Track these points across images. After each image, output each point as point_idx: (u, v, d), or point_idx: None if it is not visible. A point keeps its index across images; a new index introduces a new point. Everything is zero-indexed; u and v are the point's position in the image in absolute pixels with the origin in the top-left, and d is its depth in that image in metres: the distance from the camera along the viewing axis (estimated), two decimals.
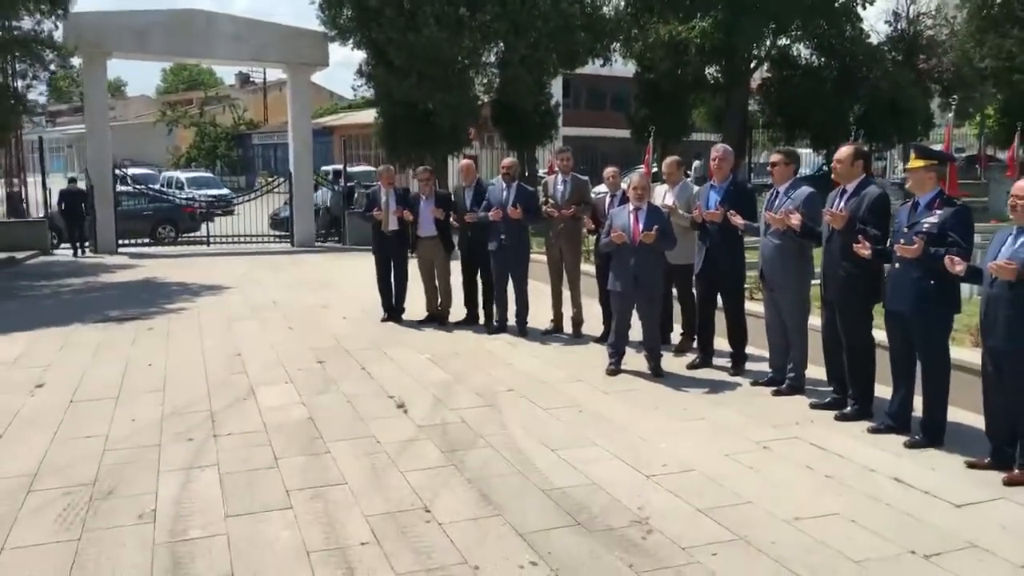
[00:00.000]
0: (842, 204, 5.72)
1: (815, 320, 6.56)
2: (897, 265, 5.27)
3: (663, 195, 7.79)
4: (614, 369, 7.17)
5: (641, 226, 6.92)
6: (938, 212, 5.16)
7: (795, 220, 6.03)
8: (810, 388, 6.47)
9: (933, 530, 4.07)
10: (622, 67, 29.13)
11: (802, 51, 25.47)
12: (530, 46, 18.60)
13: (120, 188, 18.92)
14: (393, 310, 9.65)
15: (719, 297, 7.25)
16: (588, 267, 8.98)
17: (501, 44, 18.94)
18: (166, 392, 6.67)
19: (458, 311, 9.36)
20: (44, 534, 4.09)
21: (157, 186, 26.58)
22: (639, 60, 23.14)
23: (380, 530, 4.09)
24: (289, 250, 18.84)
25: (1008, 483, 4.62)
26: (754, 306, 7.47)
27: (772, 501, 4.44)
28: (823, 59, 24.86)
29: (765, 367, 6.93)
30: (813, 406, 6.12)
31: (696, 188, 7.89)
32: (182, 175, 34.89)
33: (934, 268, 5.02)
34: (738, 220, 6.73)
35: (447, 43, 17.52)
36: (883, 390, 5.74)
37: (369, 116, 44.32)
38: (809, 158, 28.01)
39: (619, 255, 7.03)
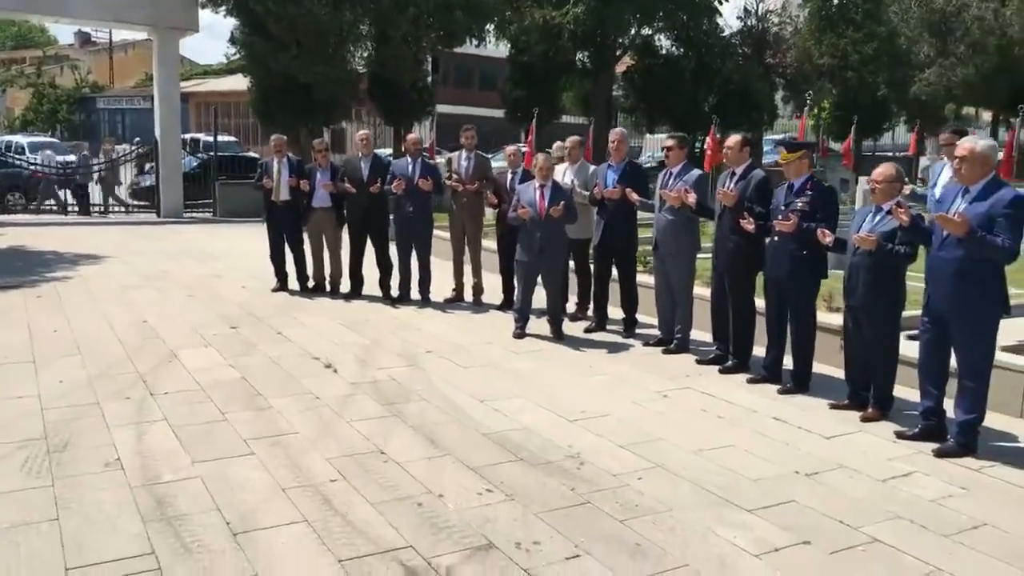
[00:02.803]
0: (732, 185, 6.54)
1: (698, 288, 7.42)
2: (776, 238, 6.12)
3: (563, 174, 8.42)
4: (520, 333, 7.77)
5: (546, 202, 7.52)
6: (809, 193, 6.04)
7: (692, 198, 6.81)
8: (693, 347, 7.31)
9: (810, 456, 4.92)
10: (491, 47, 29.74)
11: (664, 42, 26.97)
12: (411, 22, 18.80)
13: None
14: (287, 280, 9.81)
15: (614, 267, 7.98)
16: (487, 241, 9.50)
17: (382, 19, 19.00)
18: (83, 356, 6.69)
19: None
20: (15, 482, 4.23)
21: None
22: (513, 42, 23.80)
23: (344, 470, 4.50)
24: (156, 220, 18.27)
25: (864, 419, 5.57)
26: (643, 277, 8.24)
27: (678, 437, 5.17)
28: (682, 50, 26.41)
29: (653, 331, 7.73)
30: (699, 362, 6.95)
31: (592, 168, 8.59)
32: (23, 139, 32.64)
33: (806, 241, 5.91)
34: (635, 197, 7.46)
35: (327, 16, 17.45)
36: (758, 349, 6.64)
37: (228, 83, 43.00)
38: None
39: (526, 228, 7.61)
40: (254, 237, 14.75)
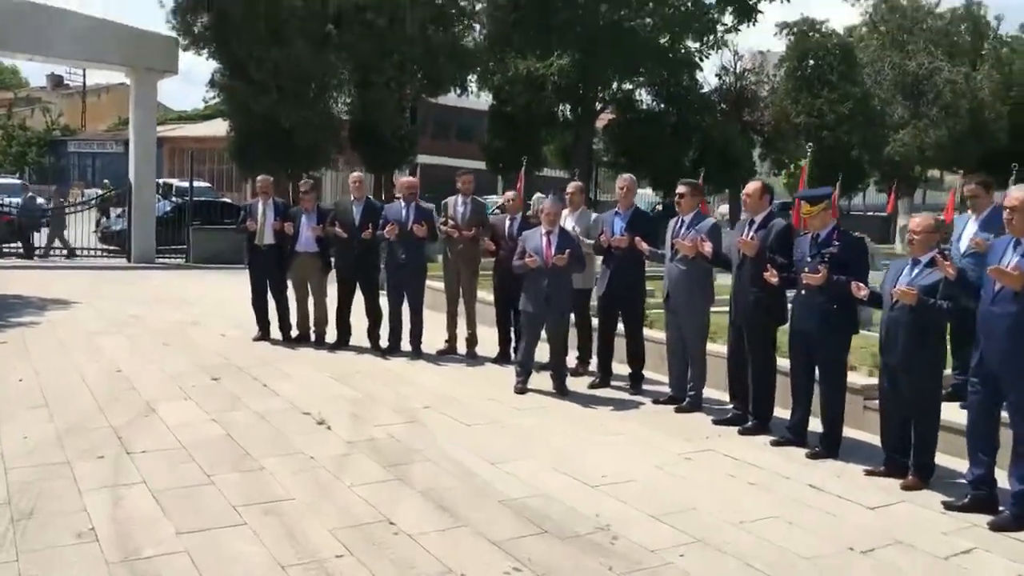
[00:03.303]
0: (752, 234, 6.21)
1: (709, 345, 7.04)
2: (803, 292, 5.78)
3: (563, 221, 8.06)
4: (522, 388, 7.31)
5: (553, 249, 7.15)
6: (837, 243, 5.73)
7: (708, 247, 6.48)
8: (706, 405, 6.90)
9: (859, 529, 4.50)
10: (470, 99, 29.73)
11: (644, 97, 27.13)
12: (395, 68, 18.63)
13: None
14: (269, 329, 9.31)
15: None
16: (482, 292, 9.07)
17: (364, 64, 18.81)
18: (51, 408, 6.12)
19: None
20: None
21: None
22: (496, 93, 23.74)
23: (350, 543, 3.99)
24: (126, 265, 17.66)
25: (905, 488, 5.16)
26: (648, 331, 7.85)
27: (713, 507, 4.73)
28: (663, 106, 26.55)
29: (660, 388, 7.34)
30: (716, 422, 6.53)
31: (595, 215, 8.28)
32: None
33: (836, 293, 5.58)
34: (644, 246, 7.12)
35: (312, 60, 17.21)
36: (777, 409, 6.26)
37: (203, 129, 42.59)
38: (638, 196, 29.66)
39: (532, 277, 7.21)
40: (230, 284, 14.28)
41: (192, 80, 72.23)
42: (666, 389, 7.29)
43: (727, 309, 6.92)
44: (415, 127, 23.66)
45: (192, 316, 10.71)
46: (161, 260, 18.27)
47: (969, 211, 6.47)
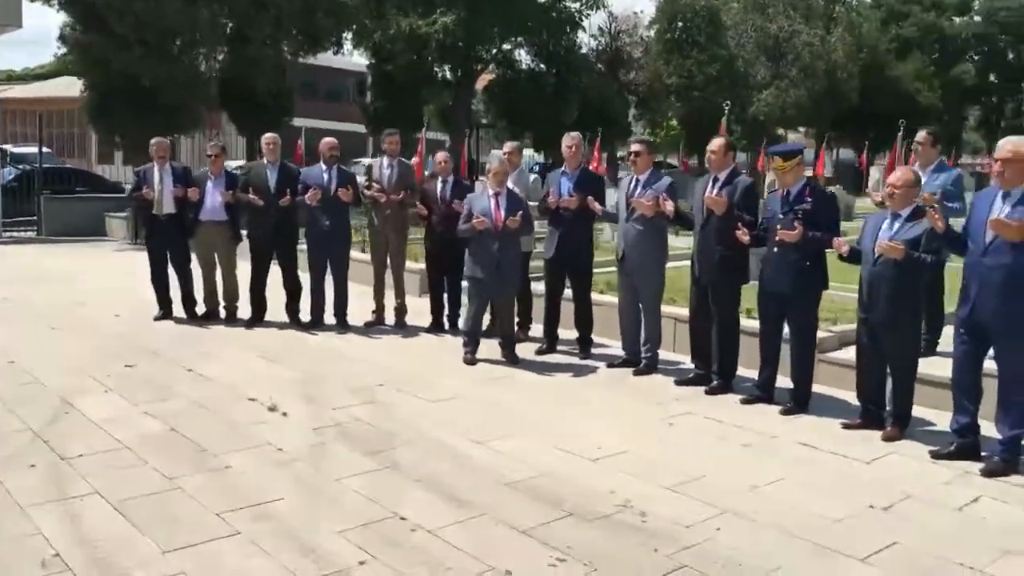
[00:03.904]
0: (717, 191, 6.07)
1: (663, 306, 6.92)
2: (775, 249, 5.69)
3: None
4: (471, 358, 6.95)
5: (503, 212, 6.78)
6: (809, 200, 5.67)
7: (670, 206, 6.29)
8: (661, 367, 6.78)
9: (868, 485, 4.46)
10: (340, 57, 28.43)
11: (524, 57, 26.86)
12: (272, 24, 17.41)
13: None
14: (171, 306, 8.47)
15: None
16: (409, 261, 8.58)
17: (239, 20, 17.48)
18: None
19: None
20: None
21: None
22: (376, 51, 22.76)
23: (369, 546, 3.55)
24: None
25: (886, 439, 5.20)
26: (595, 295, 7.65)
27: (721, 474, 4.58)
28: (543, 66, 26.37)
29: (607, 351, 7.18)
30: (679, 383, 6.41)
31: (534, 176, 7.96)
32: None
33: (811, 250, 5.54)
34: (596, 206, 6.87)
35: (180, 13, 15.78)
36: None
37: (39, 90, 38.82)
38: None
39: (479, 242, 6.82)
40: (99, 257, 13.23)
41: (15, 42, 65.47)
42: (611, 352, 7.15)
43: (678, 269, 6.85)
44: (286, 86, 22.36)
45: (72, 295, 9.63)
46: (8, 234, 16.46)
47: (916, 163, 6.57)
